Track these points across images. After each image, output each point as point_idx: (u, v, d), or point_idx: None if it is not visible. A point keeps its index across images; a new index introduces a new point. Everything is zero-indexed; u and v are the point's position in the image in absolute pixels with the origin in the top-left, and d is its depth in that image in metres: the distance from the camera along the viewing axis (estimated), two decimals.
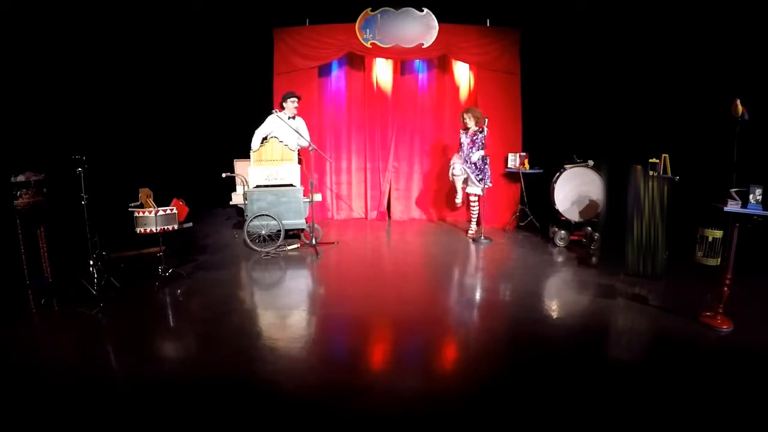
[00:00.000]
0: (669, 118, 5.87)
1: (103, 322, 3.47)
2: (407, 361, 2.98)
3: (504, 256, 5.35)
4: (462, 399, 2.51)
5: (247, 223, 5.25)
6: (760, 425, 2.34)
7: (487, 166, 5.84)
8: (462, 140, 5.87)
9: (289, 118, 5.53)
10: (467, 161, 5.81)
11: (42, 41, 5.21)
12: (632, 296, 4.01)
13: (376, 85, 6.95)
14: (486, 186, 5.87)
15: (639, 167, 4.33)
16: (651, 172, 4.31)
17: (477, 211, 6.09)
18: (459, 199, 6.13)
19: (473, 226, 6.14)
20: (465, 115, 5.85)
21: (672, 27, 5.78)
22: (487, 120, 5.70)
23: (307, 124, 5.92)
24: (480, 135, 5.75)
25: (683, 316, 3.53)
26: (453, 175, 5.97)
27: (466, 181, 5.98)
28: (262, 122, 5.63)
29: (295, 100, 5.60)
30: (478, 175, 5.81)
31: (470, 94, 7.00)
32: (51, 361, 2.94)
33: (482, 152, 5.77)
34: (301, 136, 5.45)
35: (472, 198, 6.01)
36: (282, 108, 5.60)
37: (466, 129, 5.85)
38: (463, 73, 7.04)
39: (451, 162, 5.99)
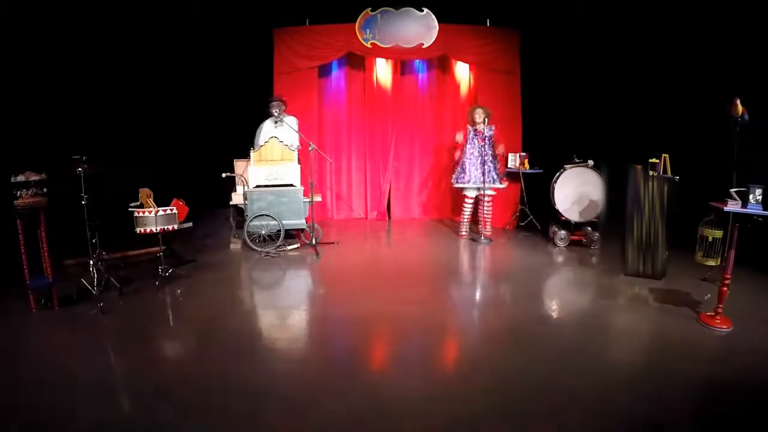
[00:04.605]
0: (669, 118, 5.87)
1: (103, 322, 3.47)
2: (407, 361, 2.97)
3: (504, 256, 5.35)
4: (462, 399, 2.51)
5: (247, 223, 5.25)
6: (760, 425, 2.34)
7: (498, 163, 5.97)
8: (471, 138, 5.80)
9: (276, 123, 5.47)
10: (485, 165, 5.75)
11: (42, 42, 5.21)
12: (632, 296, 4.01)
13: (376, 85, 6.95)
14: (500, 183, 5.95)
15: (639, 167, 4.32)
16: (651, 172, 4.31)
17: (491, 211, 6.04)
18: (464, 229, 6.10)
19: (488, 227, 6.08)
20: (477, 111, 5.79)
21: (672, 27, 5.78)
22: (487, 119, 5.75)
23: (307, 125, 5.89)
24: (489, 133, 5.77)
25: (683, 316, 3.53)
26: (467, 197, 5.95)
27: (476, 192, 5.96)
28: (261, 125, 5.65)
29: (275, 104, 5.47)
30: (495, 175, 5.84)
31: (470, 94, 7.00)
32: (51, 361, 2.94)
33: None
34: (294, 131, 5.41)
35: (487, 198, 5.93)
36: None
37: (474, 126, 5.82)
38: (463, 73, 7.04)
39: (461, 185, 5.94)
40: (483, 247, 5.66)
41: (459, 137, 5.94)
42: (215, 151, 6.33)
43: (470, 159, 5.82)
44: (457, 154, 5.93)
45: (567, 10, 6.23)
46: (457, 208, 6.86)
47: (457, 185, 5.99)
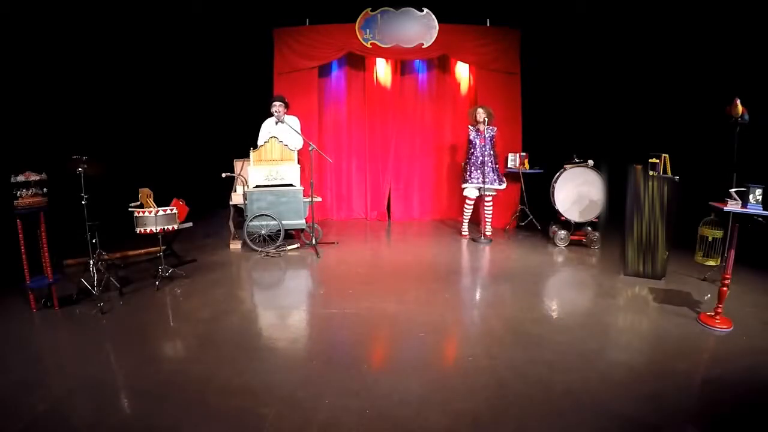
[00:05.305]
0: (669, 118, 5.88)
1: (103, 322, 3.47)
2: (407, 360, 2.97)
3: (504, 256, 5.34)
4: (462, 398, 2.51)
5: (246, 223, 5.25)
6: (760, 425, 2.34)
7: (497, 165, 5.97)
8: (472, 138, 5.81)
9: (276, 123, 5.48)
10: (485, 166, 5.76)
11: (42, 41, 5.21)
12: (632, 296, 4.01)
13: (376, 84, 6.95)
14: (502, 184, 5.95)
15: (639, 167, 4.33)
16: (651, 172, 4.31)
17: (491, 211, 6.05)
18: (466, 229, 6.11)
19: (488, 226, 6.09)
20: (478, 111, 5.79)
21: (672, 27, 5.78)
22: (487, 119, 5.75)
23: (307, 125, 5.87)
24: (491, 133, 5.77)
25: (683, 316, 3.53)
26: (468, 198, 5.96)
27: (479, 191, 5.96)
28: (261, 124, 5.65)
29: (276, 104, 5.45)
30: (494, 176, 5.84)
31: (470, 94, 7.00)
32: (51, 361, 2.94)
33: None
34: (297, 132, 5.43)
35: (487, 198, 5.93)
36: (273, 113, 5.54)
37: (475, 126, 5.83)
38: (463, 73, 7.05)
39: (465, 186, 5.95)
40: (483, 247, 5.66)
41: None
42: (215, 151, 6.35)
43: (471, 159, 5.82)
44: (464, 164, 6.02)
45: (567, 10, 6.24)
46: (458, 208, 6.86)
47: (464, 186, 6.01)
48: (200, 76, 6.95)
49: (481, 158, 5.75)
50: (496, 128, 5.86)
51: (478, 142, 5.76)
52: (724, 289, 3.31)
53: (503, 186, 5.96)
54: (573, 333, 3.30)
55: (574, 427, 2.29)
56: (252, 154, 5.29)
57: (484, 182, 5.75)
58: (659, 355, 2.99)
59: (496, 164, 5.89)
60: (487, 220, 6.02)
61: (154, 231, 4.12)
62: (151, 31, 6.25)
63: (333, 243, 5.70)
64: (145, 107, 6.60)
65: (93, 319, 3.50)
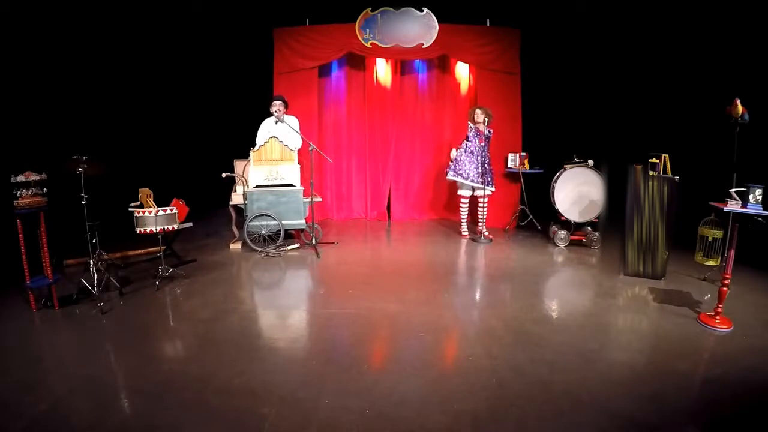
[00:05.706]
0: (669, 118, 5.88)
1: (103, 322, 3.47)
2: (407, 360, 2.97)
3: (504, 256, 5.34)
4: (462, 398, 2.51)
5: (246, 222, 5.25)
6: (761, 425, 2.34)
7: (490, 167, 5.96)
8: (471, 136, 5.79)
9: (276, 122, 5.48)
10: (484, 166, 5.77)
11: (42, 41, 5.21)
12: (632, 296, 4.01)
13: (376, 84, 6.95)
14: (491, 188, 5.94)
15: (639, 167, 4.33)
16: (651, 172, 4.31)
17: (486, 211, 6.06)
18: (465, 229, 6.11)
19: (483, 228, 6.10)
20: (476, 112, 5.80)
21: (672, 27, 5.78)
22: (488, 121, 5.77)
23: (307, 125, 5.86)
24: (489, 134, 5.78)
25: (683, 316, 3.53)
26: (462, 197, 5.97)
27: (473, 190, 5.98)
28: (261, 125, 5.65)
29: (276, 103, 5.45)
30: (490, 178, 5.85)
31: (470, 94, 7.00)
32: (51, 361, 2.94)
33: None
34: (296, 132, 5.43)
35: (484, 199, 5.94)
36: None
37: (475, 125, 5.82)
38: (463, 73, 7.05)
39: (453, 178, 5.91)
40: (483, 247, 5.66)
41: (453, 153, 5.97)
42: (215, 151, 6.35)
43: (469, 156, 5.81)
44: (453, 152, 5.95)
45: (567, 10, 6.24)
46: (458, 209, 6.86)
47: (450, 177, 5.93)
48: (200, 76, 6.95)
49: (480, 158, 5.75)
50: (492, 130, 5.86)
51: (476, 141, 5.76)
52: (724, 289, 3.32)
53: (493, 189, 5.98)
54: (573, 333, 3.30)
55: (574, 427, 2.29)
56: (252, 154, 5.29)
57: (483, 183, 5.75)
58: (659, 355, 2.99)
59: (491, 166, 5.90)
60: (481, 219, 6.03)
61: (154, 231, 4.12)
62: (151, 31, 6.25)
63: (333, 243, 5.70)
64: (146, 107, 6.60)
65: (93, 319, 3.49)
